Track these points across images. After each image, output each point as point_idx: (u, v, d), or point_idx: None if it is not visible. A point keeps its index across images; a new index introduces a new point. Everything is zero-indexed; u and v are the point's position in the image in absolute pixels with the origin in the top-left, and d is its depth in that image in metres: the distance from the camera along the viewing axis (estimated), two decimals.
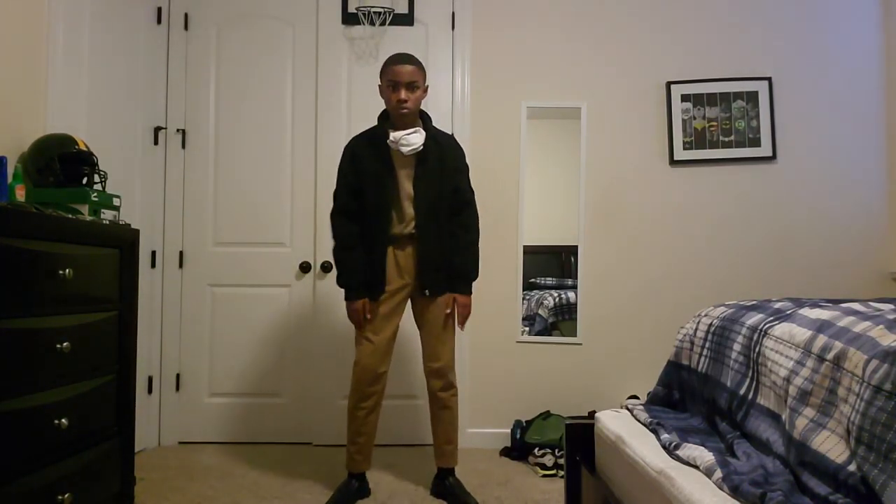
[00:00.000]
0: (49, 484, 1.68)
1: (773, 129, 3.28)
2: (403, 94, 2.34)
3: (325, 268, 3.25)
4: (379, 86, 2.46)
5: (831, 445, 1.16)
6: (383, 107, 2.49)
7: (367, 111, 3.20)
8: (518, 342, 3.29)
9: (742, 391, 1.55)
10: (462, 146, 2.62)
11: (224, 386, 3.28)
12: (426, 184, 2.42)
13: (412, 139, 2.38)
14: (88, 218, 2.09)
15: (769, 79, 3.29)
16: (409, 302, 2.52)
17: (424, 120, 2.48)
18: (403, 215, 2.44)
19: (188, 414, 3.26)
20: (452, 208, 2.49)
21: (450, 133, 2.80)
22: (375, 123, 2.51)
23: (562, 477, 2.69)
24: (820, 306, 1.47)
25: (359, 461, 2.48)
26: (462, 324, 2.52)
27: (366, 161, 2.41)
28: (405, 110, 2.36)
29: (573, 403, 3.21)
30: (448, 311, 2.47)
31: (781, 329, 1.45)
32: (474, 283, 2.53)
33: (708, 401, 1.73)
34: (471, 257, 2.50)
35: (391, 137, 2.38)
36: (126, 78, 2.99)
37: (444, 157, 2.46)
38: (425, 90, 2.44)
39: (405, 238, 2.44)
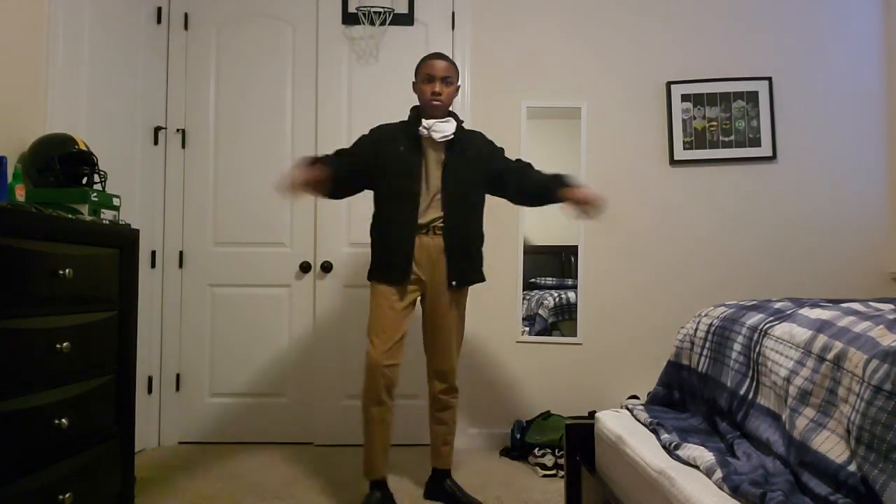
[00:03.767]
0: (49, 484, 1.68)
1: (773, 129, 3.28)
2: (438, 87, 2.36)
3: (325, 268, 3.25)
4: (413, 83, 2.46)
5: (831, 445, 1.16)
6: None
7: (367, 111, 3.20)
8: (518, 342, 3.29)
9: (742, 391, 1.55)
10: None
11: (224, 386, 3.28)
12: (456, 173, 2.40)
13: (444, 127, 2.38)
14: (88, 218, 2.09)
15: (769, 79, 3.29)
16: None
17: (455, 117, 2.48)
18: (431, 205, 2.39)
19: (188, 414, 3.26)
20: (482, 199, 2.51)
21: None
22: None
23: (562, 477, 2.69)
24: (820, 306, 1.47)
25: (378, 465, 2.39)
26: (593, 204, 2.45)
27: (393, 143, 2.37)
28: (438, 102, 2.37)
29: (573, 403, 3.21)
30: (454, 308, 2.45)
31: (782, 329, 1.45)
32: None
33: (708, 401, 1.73)
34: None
35: (423, 124, 2.37)
36: (126, 78, 2.99)
37: (475, 148, 2.47)
38: (457, 89, 2.46)
39: (431, 229, 2.39)
